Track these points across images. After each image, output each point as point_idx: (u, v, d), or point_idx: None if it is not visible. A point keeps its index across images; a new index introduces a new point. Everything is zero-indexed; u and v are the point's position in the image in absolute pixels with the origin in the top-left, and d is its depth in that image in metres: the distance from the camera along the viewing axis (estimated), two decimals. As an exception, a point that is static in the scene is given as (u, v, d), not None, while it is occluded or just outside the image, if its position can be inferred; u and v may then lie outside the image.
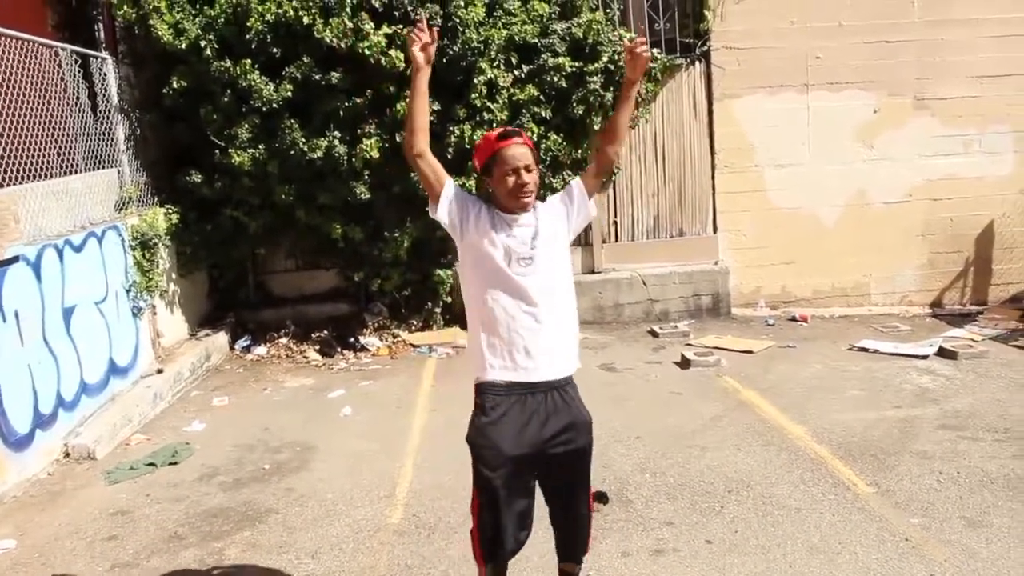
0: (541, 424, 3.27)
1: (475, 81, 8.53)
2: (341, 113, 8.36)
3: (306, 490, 5.49)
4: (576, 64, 8.91)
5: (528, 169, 3.26)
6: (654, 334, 9.26)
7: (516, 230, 3.28)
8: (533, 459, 3.29)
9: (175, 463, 6.08)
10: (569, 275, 3.43)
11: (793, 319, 9.82)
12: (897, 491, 5.09)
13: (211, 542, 4.82)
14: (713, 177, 10.08)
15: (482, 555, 3.42)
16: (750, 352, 8.43)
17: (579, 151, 9.35)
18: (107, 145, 7.94)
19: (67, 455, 6.23)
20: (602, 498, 5.06)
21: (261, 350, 9.05)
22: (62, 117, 7.34)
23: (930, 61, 9.92)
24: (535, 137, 8.91)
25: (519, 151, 3.26)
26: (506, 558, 3.45)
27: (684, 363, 8.03)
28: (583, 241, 9.93)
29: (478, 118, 8.64)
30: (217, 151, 8.40)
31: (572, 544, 3.62)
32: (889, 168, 10.11)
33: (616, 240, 10.06)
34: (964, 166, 10.17)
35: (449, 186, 3.31)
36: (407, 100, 3.62)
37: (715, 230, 10.15)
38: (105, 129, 7.93)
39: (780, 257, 10.19)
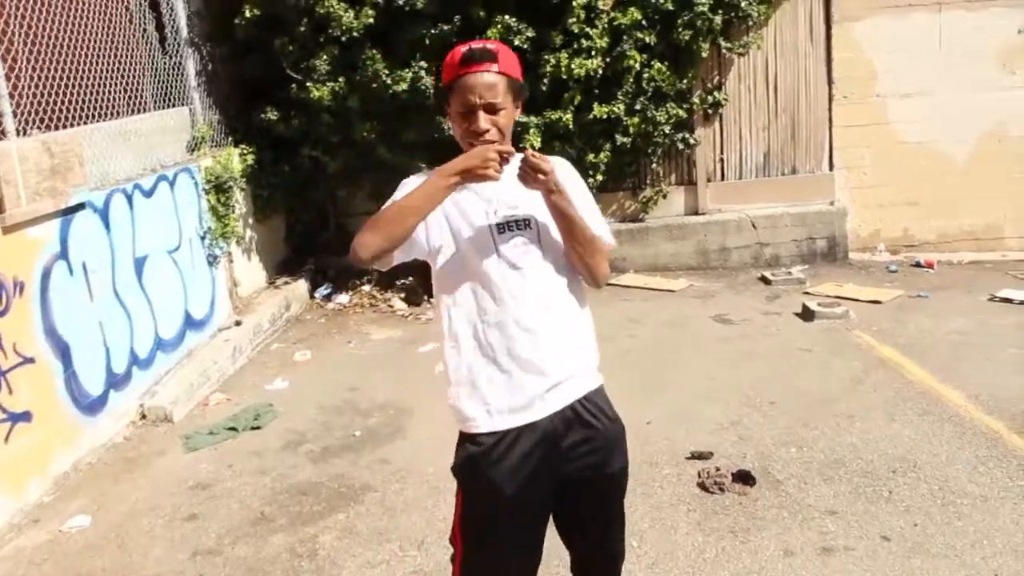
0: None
1: (572, 4, 7.77)
2: (427, 41, 7.68)
3: (404, 462, 4.88)
4: (684, -16, 8.06)
5: (491, 108, 2.34)
6: (766, 281, 8.46)
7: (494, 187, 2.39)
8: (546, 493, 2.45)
9: (258, 427, 5.56)
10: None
11: (917, 265, 8.89)
12: (1102, 475, 4.27)
13: (302, 526, 4.24)
14: (830, 109, 9.13)
15: None
16: (877, 302, 7.58)
17: (684, 81, 8.55)
18: (177, 81, 7.40)
19: (143, 417, 5.77)
20: (748, 479, 4.36)
21: (343, 298, 8.53)
22: (128, 51, 6.76)
23: (1084, -28, 8.74)
24: (636, 66, 8.08)
25: (482, 79, 2.33)
26: None
27: (807, 314, 7.22)
28: (686, 180, 9.16)
29: (575, 45, 7.88)
30: (294, 85, 7.82)
31: None
32: (1033, 96, 9.00)
33: (722, 179, 9.23)
34: (1118, 93, 9.01)
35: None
36: (408, 208, 2.29)
37: (831, 167, 9.24)
38: (174, 64, 7.38)
39: (903, 197, 9.23)
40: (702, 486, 4.37)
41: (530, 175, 2.30)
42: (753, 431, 5.01)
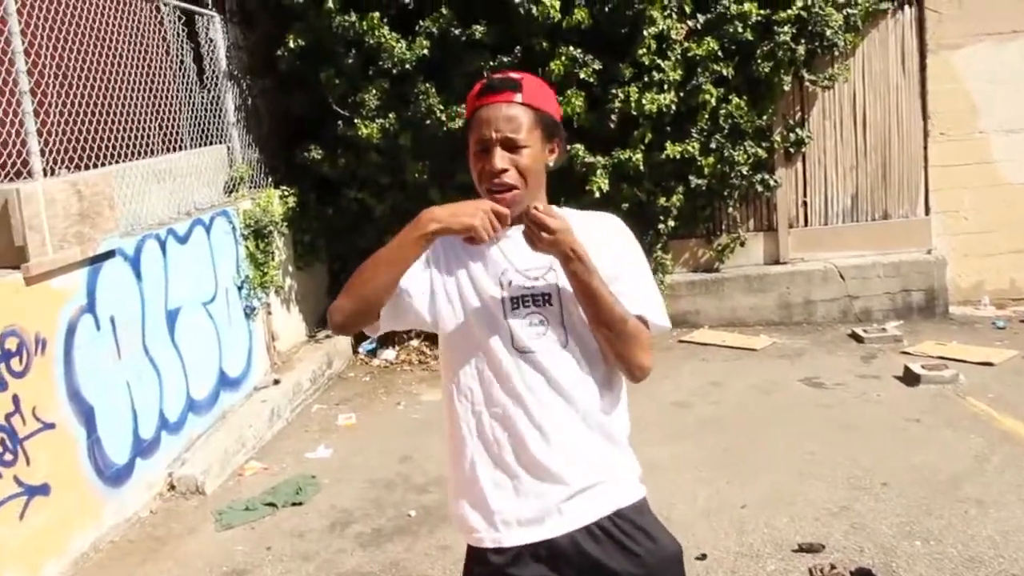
0: None
1: (643, 33, 7.52)
2: (485, 74, 7.35)
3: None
4: (763, 12, 7.80)
5: (509, 144, 2.06)
6: (857, 338, 8.05)
7: (511, 248, 2.13)
8: None
9: (299, 503, 5.26)
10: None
11: (1028, 320, 8.44)
12: None
13: (353, 626, 3.90)
14: (925, 147, 8.79)
15: None
16: (990, 364, 7.13)
17: (763, 117, 8.26)
18: (215, 117, 7.33)
19: (172, 488, 5.50)
20: (871, 579, 3.93)
21: (389, 354, 8.30)
22: (164, 84, 6.67)
23: None
24: (712, 100, 7.80)
25: (500, 111, 2.07)
26: None
27: (910, 378, 6.79)
28: (765, 226, 8.85)
29: (646, 78, 7.63)
30: (340, 122, 7.70)
31: None
32: None
33: (806, 224, 8.90)
34: None
35: (407, 283, 2.13)
36: (381, 260, 2.08)
37: (927, 211, 8.87)
38: (213, 98, 7.31)
39: (1009, 244, 8.83)
40: (816, 586, 3.96)
41: (535, 234, 2.00)
42: (867, 518, 4.58)
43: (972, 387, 6.57)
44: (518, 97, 2.08)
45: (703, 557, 4.27)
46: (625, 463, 2.17)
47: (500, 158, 2.05)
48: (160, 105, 6.53)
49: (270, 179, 8.02)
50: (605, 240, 2.12)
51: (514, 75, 2.16)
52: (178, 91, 6.89)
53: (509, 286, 2.11)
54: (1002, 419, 5.92)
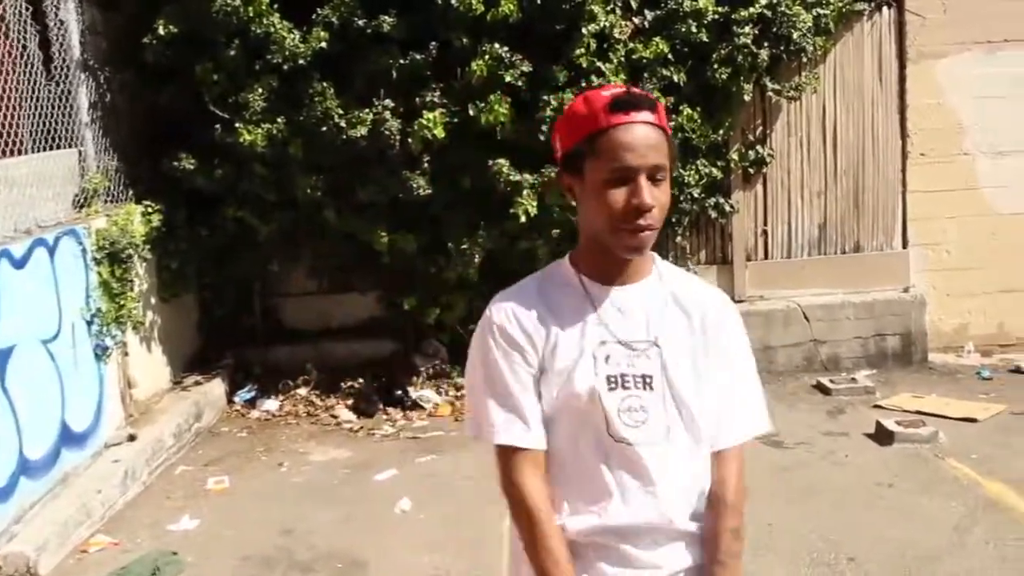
0: None
1: (582, 31, 7.70)
2: (394, 74, 7.61)
3: (358, 643, 4.49)
4: (721, 10, 8.06)
5: (655, 175, 2.08)
6: (823, 389, 8.32)
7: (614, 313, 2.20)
8: None
9: (156, 587, 5.16)
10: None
11: (1017, 370, 8.76)
12: None
13: None
14: (904, 169, 9.12)
15: None
16: (973, 420, 7.43)
17: (719, 131, 8.46)
18: (64, 116, 7.23)
19: (-2, 568, 5.34)
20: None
21: (271, 405, 8.32)
22: (1, 75, 6.53)
23: None
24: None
25: (645, 134, 2.07)
26: None
27: (882, 436, 7.04)
28: (719, 258, 9.06)
29: (584, 83, 7.71)
30: (218, 125, 7.68)
31: None
32: None
33: (765, 257, 9.15)
34: None
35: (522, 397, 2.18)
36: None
37: (905, 244, 9.19)
38: (62, 92, 7.21)
39: (997, 283, 9.19)
40: None
41: None
42: (830, 601, 4.69)
43: (953, 447, 6.82)
44: (654, 119, 2.09)
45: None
46: None
47: (648, 193, 2.06)
48: (-5, 99, 6.46)
49: (131, 192, 7.94)
50: (721, 334, 2.23)
51: (638, 92, 2.16)
52: (19, 83, 6.80)
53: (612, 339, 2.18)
54: (987, 484, 6.14)
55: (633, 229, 2.07)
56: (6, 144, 6.53)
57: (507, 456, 2.16)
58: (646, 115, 2.06)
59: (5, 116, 6.53)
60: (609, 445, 2.11)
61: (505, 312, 2.18)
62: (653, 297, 2.18)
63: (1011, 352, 9.17)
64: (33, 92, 6.90)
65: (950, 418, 7.43)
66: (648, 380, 2.13)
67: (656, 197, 2.06)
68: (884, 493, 6.08)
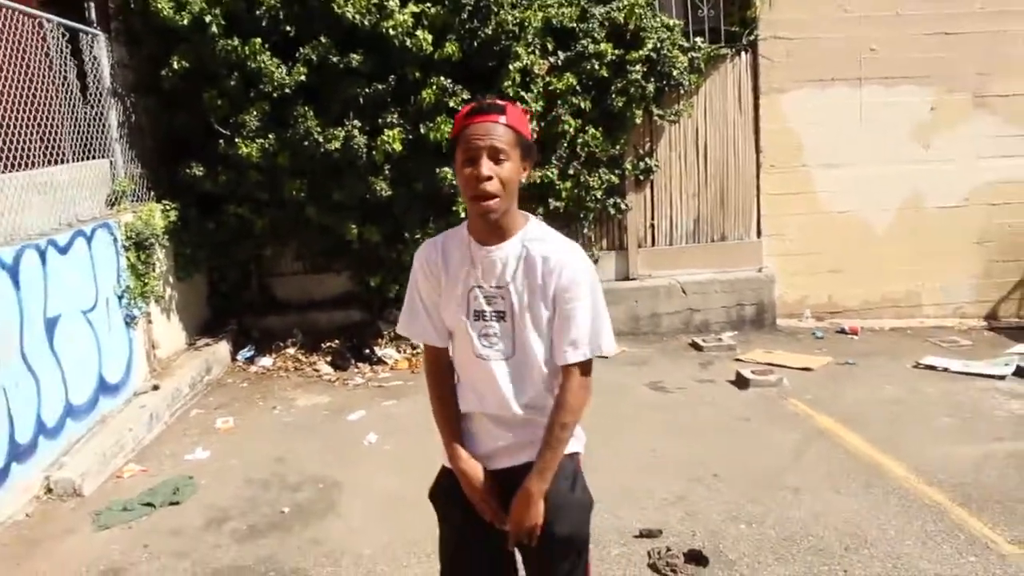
0: None
1: (509, 68, 7.67)
2: (361, 100, 7.49)
3: (337, 543, 4.52)
4: (617, 52, 8.09)
5: (495, 156, 2.25)
6: (697, 347, 8.40)
7: (482, 266, 2.42)
8: None
9: (176, 503, 5.12)
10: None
11: (842, 331, 8.99)
12: (1051, 552, 4.20)
13: (227, 617, 3.86)
14: (758, 177, 9.23)
15: None
16: (808, 369, 7.59)
17: (616, 147, 8.52)
18: (98, 132, 7.04)
19: (49, 491, 5.24)
20: (700, 559, 4.15)
21: (266, 361, 8.13)
22: (47, 99, 6.37)
23: (992, 55, 9.08)
24: (571, 130, 8.02)
25: (488, 127, 2.25)
26: None
27: (741, 382, 7.15)
28: (617, 245, 9.09)
29: (511, 108, 7.72)
30: (221, 141, 7.52)
31: None
32: (945, 170, 9.28)
33: (653, 244, 9.20)
34: (1025, 169, 9.35)
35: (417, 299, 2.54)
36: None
37: (759, 234, 9.30)
38: (96, 114, 7.02)
39: (827, 264, 9.36)
40: (653, 567, 4.13)
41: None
42: (700, 507, 4.81)
43: (794, 389, 6.96)
44: (502, 119, 2.27)
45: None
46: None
47: (486, 165, 2.23)
48: (42, 119, 6.27)
49: (152, 193, 7.77)
50: (558, 270, 2.36)
51: (499, 100, 2.36)
52: (61, 106, 6.61)
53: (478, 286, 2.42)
54: (818, 417, 6.29)
55: (477, 195, 2.26)
56: (51, 155, 6.41)
57: (424, 351, 2.55)
58: (493, 116, 2.26)
59: (50, 133, 6.38)
60: (474, 358, 2.43)
61: (422, 255, 2.47)
62: (511, 255, 2.35)
63: (838, 317, 9.38)
64: (72, 114, 6.73)
65: (792, 368, 7.57)
66: (501, 315, 2.37)
67: (494, 170, 2.24)
68: (741, 427, 6.18)
